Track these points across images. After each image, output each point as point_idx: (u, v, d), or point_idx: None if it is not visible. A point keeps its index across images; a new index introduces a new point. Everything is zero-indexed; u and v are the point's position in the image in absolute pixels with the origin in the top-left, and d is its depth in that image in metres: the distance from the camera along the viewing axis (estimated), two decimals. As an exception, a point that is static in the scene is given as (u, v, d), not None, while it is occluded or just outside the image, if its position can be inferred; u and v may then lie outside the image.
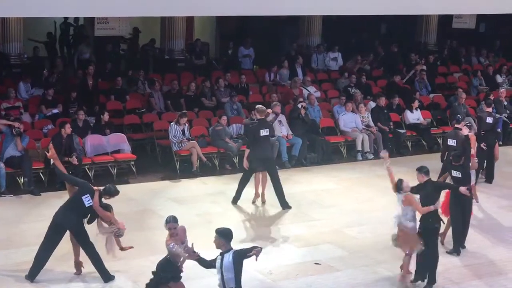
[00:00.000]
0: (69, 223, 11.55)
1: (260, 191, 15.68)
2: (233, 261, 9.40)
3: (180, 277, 10.06)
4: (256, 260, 9.45)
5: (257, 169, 15.51)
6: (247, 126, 16.07)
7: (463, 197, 13.13)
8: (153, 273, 10.10)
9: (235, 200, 15.62)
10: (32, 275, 11.57)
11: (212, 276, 9.76)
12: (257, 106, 15.98)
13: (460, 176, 13.21)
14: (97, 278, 11.71)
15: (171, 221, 10.01)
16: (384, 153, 12.78)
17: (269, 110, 16.14)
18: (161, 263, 10.08)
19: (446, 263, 12.96)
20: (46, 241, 11.62)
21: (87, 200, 11.57)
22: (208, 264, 9.79)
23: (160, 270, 10.03)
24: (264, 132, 15.34)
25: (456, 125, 15.94)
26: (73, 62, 22.79)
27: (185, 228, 10.16)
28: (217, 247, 9.51)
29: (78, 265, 11.89)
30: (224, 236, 9.48)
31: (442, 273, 12.54)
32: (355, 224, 14.32)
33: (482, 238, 14.24)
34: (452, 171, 13.34)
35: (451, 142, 15.57)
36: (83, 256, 11.79)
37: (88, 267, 11.81)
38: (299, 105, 19.44)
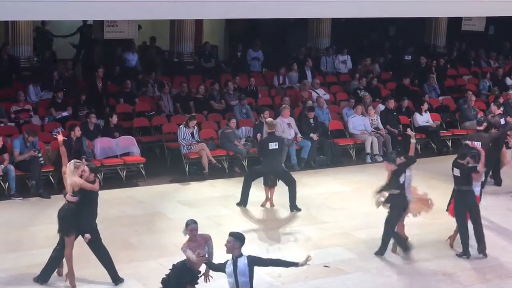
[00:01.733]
0: (86, 226, 11.56)
1: (269, 195, 15.74)
2: (248, 265, 9.41)
3: (197, 282, 10.06)
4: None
5: (266, 183, 15.63)
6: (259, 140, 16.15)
7: (467, 199, 13.12)
8: (167, 274, 10.11)
9: (242, 203, 15.61)
10: (43, 279, 11.57)
11: (222, 278, 9.76)
12: (266, 120, 16.04)
13: (458, 175, 13.24)
14: (107, 281, 11.71)
15: (192, 223, 10.00)
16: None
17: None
18: (177, 266, 10.07)
19: (455, 266, 12.95)
20: (60, 247, 11.61)
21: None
22: (216, 267, 9.81)
23: (177, 272, 10.02)
24: (272, 146, 15.36)
25: (478, 127, 16.07)
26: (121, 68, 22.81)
27: (209, 236, 10.15)
28: (230, 251, 9.50)
29: (60, 273, 11.81)
30: (240, 240, 9.52)
31: (451, 276, 12.55)
32: (364, 227, 14.31)
33: (491, 241, 14.18)
34: (454, 168, 13.33)
35: (476, 144, 15.60)
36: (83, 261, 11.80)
37: (97, 269, 11.80)
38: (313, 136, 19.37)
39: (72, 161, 11.71)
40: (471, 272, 12.77)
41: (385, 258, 13.15)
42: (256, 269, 11.77)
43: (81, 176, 11.42)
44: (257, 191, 15.70)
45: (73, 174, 11.44)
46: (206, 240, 10.13)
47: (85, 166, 11.64)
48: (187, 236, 10.11)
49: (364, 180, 17.84)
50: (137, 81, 21.32)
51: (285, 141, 16.98)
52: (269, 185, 15.67)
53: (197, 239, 10.02)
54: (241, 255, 9.49)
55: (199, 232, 10.14)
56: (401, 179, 12.97)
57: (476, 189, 13.55)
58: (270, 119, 16.19)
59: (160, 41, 25.00)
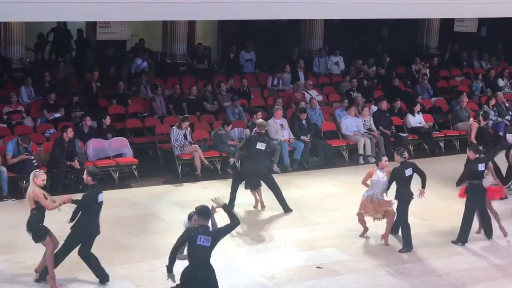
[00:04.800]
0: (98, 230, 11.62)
1: (257, 197, 15.72)
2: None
3: None
4: None
5: (249, 186, 15.59)
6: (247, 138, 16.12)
7: None
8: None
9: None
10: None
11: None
12: (257, 121, 16.09)
13: None
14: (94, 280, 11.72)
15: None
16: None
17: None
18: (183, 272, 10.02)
19: (447, 266, 12.97)
20: (67, 248, 11.56)
21: (101, 197, 11.61)
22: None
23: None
24: (260, 146, 15.37)
25: None
26: (131, 71, 22.77)
27: None
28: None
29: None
30: (197, 212, 9.89)
31: (443, 276, 12.56)
32: (357, 228, 14.30)
33: (489, 242, 14.23)
34: None
35: None
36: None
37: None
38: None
39: (34, 170, 11.82)
40: (463, 273, 12.77)
41: (378, 259, 13.16)
42: (249, 270, 11.82)
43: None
44: (249, 192, 15.67)
45: (33, 184, 11.46)
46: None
47: (85, 170, 11.74)
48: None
49: (357, 181, 17.69)
50: (128, 82, 21.29)
51: (271, 144, 16.98)
52: (251, 188, 15.65)
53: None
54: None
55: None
56: (407, 172, 13.51)
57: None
58: (260, 120, 16.26)
59: (153, 42, 24.97)
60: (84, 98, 19.40)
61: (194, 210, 10.13)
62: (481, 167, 13.84)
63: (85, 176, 11.57)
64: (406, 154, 13.79)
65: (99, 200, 11.54)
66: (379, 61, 25.43)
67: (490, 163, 14.58)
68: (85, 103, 19.22)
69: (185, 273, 9.68)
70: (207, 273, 9.72)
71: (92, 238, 11.58)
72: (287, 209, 15.49)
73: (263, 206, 15.72)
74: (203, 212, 9.82)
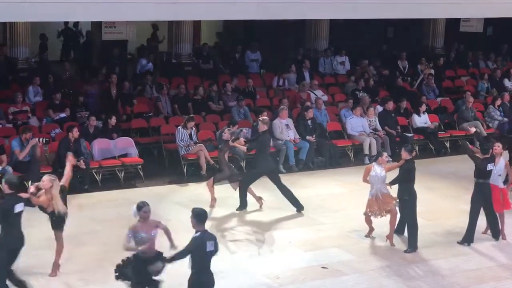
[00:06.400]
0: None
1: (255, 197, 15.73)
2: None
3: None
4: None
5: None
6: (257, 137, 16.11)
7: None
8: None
9: (243, 207, 15.58)
10: None
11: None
12: (263, 118, 16.09)
13: None
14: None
15: (145, 205, 10.00)
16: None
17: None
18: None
19: (452, 267, 12.96)
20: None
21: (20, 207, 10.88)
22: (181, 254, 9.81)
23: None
24: (271, 143, 15.48)
25: None
26: (136, 72, 22.78)
27: (159, 222, 10.23)
28: (192, 227, 9.59)
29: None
30: (194, 216, 9.55)
31: (448, 277, 12.55)
32: (362, 228, 14.29)
33: (489, 242, 14.22)
34: None
35: None
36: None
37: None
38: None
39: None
40: (468, 273, 12.76)
41: (383, 259, 13.15)
42: (254, 270, 11.79)
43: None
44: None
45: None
46: (157, 225, 10.07)
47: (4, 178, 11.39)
48: (137, 220, 10.05)
49: (362, 182, 17.83)
50: (134, 82, 21.31)
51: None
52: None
53: (148, 222, 9.94)
54: (196, 232, 9.48)
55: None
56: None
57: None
58: (264, 117, 16.28)
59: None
60: (102, 103, 19.44)
61: (144, 204, 10.04)
62: (489, 166, 13.82)
63: (3, 183, 10.89)
64: (414, 153, 13.78)
65: (16, 211, 10.66)
66: (385, 61, 25.42)
67: (508, 163, 14.54)
68: (105, 108, 19.19)
69: (195, 281, 9.51)
70: (211, 279, 9.66)
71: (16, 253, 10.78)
72: (300, 207, 15.51)
73: (260, 204, 15.68)
74: (200, 216, 9.56)
